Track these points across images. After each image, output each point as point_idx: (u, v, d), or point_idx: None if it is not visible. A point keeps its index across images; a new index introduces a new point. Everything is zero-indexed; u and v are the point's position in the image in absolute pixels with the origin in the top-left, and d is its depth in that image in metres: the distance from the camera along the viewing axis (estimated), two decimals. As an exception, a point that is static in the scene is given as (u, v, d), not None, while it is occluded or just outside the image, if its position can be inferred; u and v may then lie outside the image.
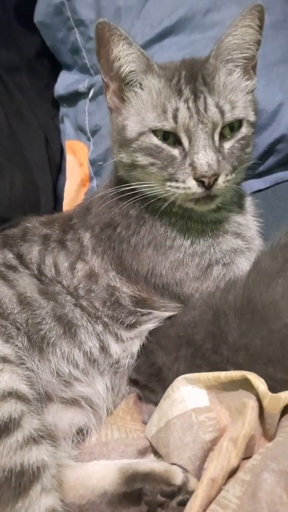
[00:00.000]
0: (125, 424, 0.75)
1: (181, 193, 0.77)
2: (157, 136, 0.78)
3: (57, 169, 1.34)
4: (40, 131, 1.29)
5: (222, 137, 0.78)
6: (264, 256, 0.76)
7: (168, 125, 0.76)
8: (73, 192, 1.22)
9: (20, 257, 0.87)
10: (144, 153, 0.79)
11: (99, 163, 1.18)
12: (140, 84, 0.80)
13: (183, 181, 0.76)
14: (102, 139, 1.17)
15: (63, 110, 1.31)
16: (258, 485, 0.55)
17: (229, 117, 0.77)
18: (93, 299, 0.83)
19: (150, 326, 0.82)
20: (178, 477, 0.63)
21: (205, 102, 0.76)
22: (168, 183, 0.77)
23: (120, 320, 0.82)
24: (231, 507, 0.55)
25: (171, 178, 0.77)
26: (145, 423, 0.76)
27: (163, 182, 0.78)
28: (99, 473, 0.66)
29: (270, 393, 0.63)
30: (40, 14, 1.24)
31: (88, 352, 0.79)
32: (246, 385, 0.65)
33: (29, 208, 1.18)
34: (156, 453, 0.70)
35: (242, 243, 0.86)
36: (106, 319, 0.82)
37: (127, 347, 0.82)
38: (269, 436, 0.65)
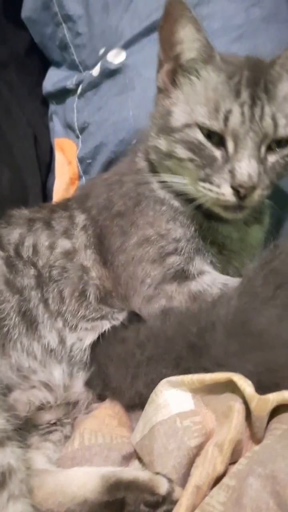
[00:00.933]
0: (110, 430, 0.71)
1: (213, 197, 0.73)
2: (202, 132, 0.73)
3: (47, 167, 1.32)
4: (29, 129, 1.27)
5: (268, 149, 0.74)
6: (256, 277, 0.71)
7: (217, 125, 0.72)
8: (62, 191, 1.20)
9: None
10: (185, 146, 0.75)
11: (88, 161, 1.16)
12: (197, 72, 0.75)
13: (218, 186, 0.72)
14: (90, 136, 1.15)
15: (52, 107, 1.29)
16: (243, 491, 0.52)
17: (281, 132, 0.72)
18: (64, 285, 0.81)
19: (109, 325, 0.80)
20: (162, 486, 0.60)
21: (262, 110, 0.71)
22: (202, 184, 0.74)
23: (83, 315, 0.80)
24: (214, 513, 0.52)
25: (206, 179, 0.73)
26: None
27: (196, 181, 0.75)
28: (80, 480, 0.62)
29: (257, 395, 0.60)
30: (27, 9, 1.22)
31: (46, 345, 0.78)
32: (231, 387, 0.62)
33: (17, 207, 1.16)
34: (141, 460, 0.67)
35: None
36: (67, 316, 0.80)
37: (81, 337, 0.80)
38: (257, 439, 0.61)
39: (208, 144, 0.73)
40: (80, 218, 0.88)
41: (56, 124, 1.27)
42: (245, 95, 0.71)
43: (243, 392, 0.61)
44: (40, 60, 1.34)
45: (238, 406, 0.60)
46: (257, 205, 0.77)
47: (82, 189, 1.02)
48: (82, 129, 1.18)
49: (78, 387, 0.80)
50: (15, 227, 0.88)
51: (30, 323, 0.78)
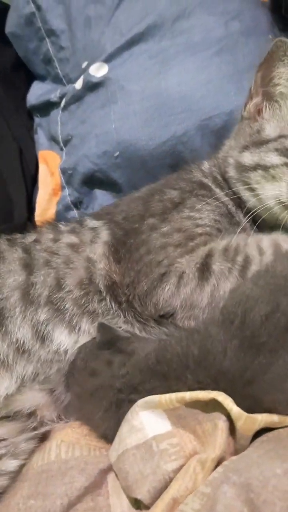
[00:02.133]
0: (89, 442, 0.69)
1: None
2: None
3: (33, 180, 1.32)
4: (14, 143, 1.28)
5: None
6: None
7: None
8: (44, 202, 1.21)
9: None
10: (278, 153, 0.83)
11: (69, 172, 1.16)
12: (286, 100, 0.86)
13: None
14: (74, 148, 1.16)
15: (37, 120, 1.30)
16: (217, 498, 0.51)
17: None
18: (66, 274, 0.79)
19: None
20: None
21: None
22: None
23: (88, 306, 0.78)
24: (189, 520, 0.52)
25: None
26: None
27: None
28: None
29: (245, 414, 0.58)
30: (11, 25, 1.24)
31: (15, 343, 0.75)
32: (212, 405, 0.61)
33: (2, 219, 1.16)
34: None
35: None
36: (68, 305, 0.77)
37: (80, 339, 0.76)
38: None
39: None
40: (93, 223, 0.89)
41: (40, 137, 1.28)
42: None
43: (229, 411, 0.59)
44: (26, 75, 1.35)
45: (221, 425, 0.59)
46: None
47: (99, 210, 1.05)
48: (66, 142, 1.19)
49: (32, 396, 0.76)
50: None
51: None
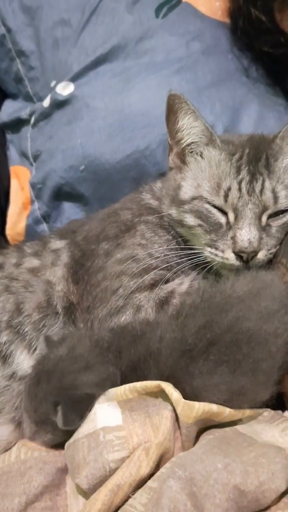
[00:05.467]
0: (49, 448, 0.71)
1: (219, 262, 0.79)
2: (209, 203, 0.80)
3: (7, 195, 1.35)
4: (-15, 158, 1.31)
5: (271, 216, 0.79)
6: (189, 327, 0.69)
7: (217, 201, 0.79)
8: (15, 216, 1.23)
9: None
10: (194, 215, 0.82)
11: (38, 186, 1.20)
12: (201, 153, 0.84)
13: (222, 251, 0.78)
14: (42, 164, 1.20)
15: (8, 137, 1.33)
16: (163, 492, 0.54)
17: (282, 203, 0.78)
18: (26, 298, 0.82)
19: None
20: None
21: (262, 185, 0.78)
22: (208, 249, 0.80)
23: (45, 329, 0.80)
24: (135, 514, 0.54)
25: (212, 245, 0.79)
26: None
27: (204, 245, 0.81)
28: None
29: (183, 400, 0.62)
30: (-18, 46, 1.27)
31: None
32: (162, 396, 0.65)
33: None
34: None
35: None
36: (27, 328, 0.80)
37: None
38: (185, 449, 0.63)
39: (214, 210, 0.80)
40: (56, 244, 0.91)
41: (12, 153, 1.31)
42: (244, 172, 0.78)
43: (170, 397, 0.63)
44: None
45: (166, 414, 0.63)
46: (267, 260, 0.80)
47: (66, 225, 1.09)
48: (35, 157, 1.22)
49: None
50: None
51: None
